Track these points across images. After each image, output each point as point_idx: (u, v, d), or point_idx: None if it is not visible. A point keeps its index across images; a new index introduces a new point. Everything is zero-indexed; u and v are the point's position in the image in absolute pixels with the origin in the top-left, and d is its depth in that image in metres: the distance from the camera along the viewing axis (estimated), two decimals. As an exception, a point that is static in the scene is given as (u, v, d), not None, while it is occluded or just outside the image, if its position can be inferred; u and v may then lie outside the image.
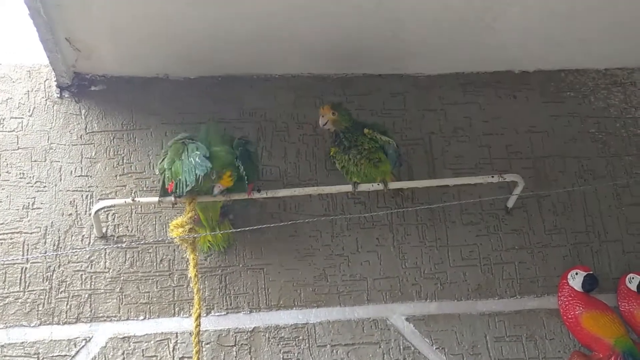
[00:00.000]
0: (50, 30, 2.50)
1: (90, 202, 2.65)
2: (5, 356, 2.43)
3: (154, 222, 2.65)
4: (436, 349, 2.59)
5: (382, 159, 2.58)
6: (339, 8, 2.58)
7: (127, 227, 2.64)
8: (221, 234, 2.57)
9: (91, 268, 2.57)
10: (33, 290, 2.52)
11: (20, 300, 2.50)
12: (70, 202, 2.64)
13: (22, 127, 2.73)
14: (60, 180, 2.67)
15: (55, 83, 2.78)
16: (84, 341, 2.48)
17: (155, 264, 2.60)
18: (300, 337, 2.56)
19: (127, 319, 2.52)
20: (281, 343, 2.54)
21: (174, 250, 2.60)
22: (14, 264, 2.54)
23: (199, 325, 2.40)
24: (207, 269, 2.61)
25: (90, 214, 2.59)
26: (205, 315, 2.55)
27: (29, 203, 2.63)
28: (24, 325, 2.48)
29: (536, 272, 2.74)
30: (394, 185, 2.61)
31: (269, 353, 2.53)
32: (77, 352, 2.46)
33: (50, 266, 2.56)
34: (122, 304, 2.54)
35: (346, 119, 2.61)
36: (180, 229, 2.42)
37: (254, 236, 2.66)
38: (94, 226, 2.57)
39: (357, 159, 2.57)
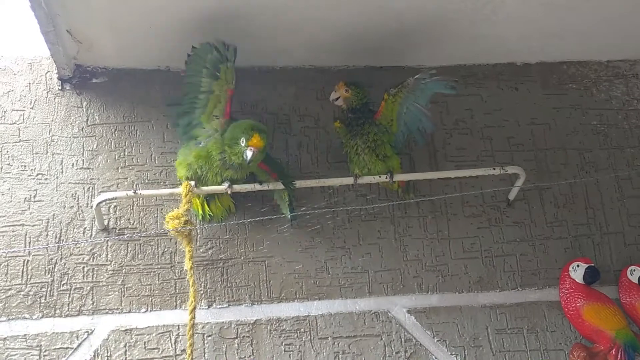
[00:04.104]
0: (51, 22, 2.49)
1: (91, 195, 2.65)
2: (7, 348, 2.43)
3: (156, 215, 2.65)
4: (437, 341, 2.60)
5: (389, 155, 2.59)
6: (340, 0, 2.57)
7: (128, 219, 2.64)
8: (220, 205, 2.58)
9: (93, 260, 2.58)
10: (35, 283, 2.52)
11: (22, 293, 2.51)
12: (72, 194, 2.65)
13: (23, 119, 2.73)
14: (62, 172, 2.67)
15: (57, 75, 2.78)
16: (86, 334, 2.48)
17: (157, 256, 2.60)
18: (302, 330, 2.57)
19: (129, 312, 2.53)
20: (283, 335, 2.55)
21: (176, 242, 2.60)
22: (16, 256, 2.55)
23: (193, 318, 2.40)
24: (209, 261, 2.62)
25: (91, 207, 2.59)
26: (207, 307, 2.55)
27: (30, 195, 2.63)
28: (26, 318, 2.48)
29: (537, 264, 2.75)
30: (399, 177, 2.61)
31: (270, 345, 2.54)
32: (79, 344, 2.47)
33: (52, 259, 2.56)
34: (124, 296, 2.55)
35: (358, 98, 2.63)
36: (175, 221, 2.43)
37: (255, 228, 2.67)
38: (96, 219, 2.57)
39: (360, 148, 2.58)
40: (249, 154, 2.35)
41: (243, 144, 2.36)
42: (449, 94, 2.64)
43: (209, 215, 2.61)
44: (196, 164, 2.48)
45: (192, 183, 2.48)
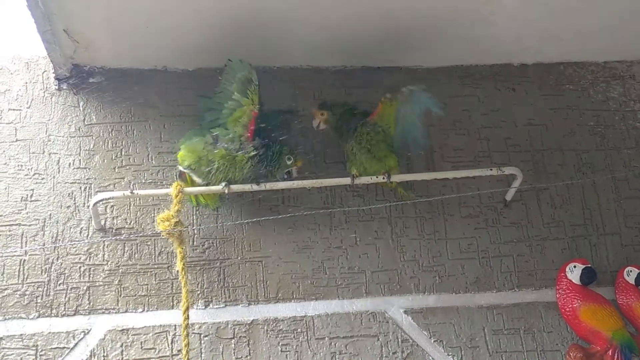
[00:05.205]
0: (48, 21, 2.49)
1: (88, 194, 2.64)
2: (3, 348, 2.43)
3: (153, 215, 2.64)
4: (434, 341, 2.60)
5: (387, 154, 2.58)
6: (337, 1, 2.57)
7: (125, 219, 2.64)
8: (213, 194, 2.57)
9: (90, 260, 2.57)
10: (31, 283, 2.51)
11: (18, 293, 2.50)
12: (69, 194, 2.64)
13: (20, 119, 2.72)
14: (59, 172, 2.67)
15: (54, 75, 2.77)
16: (82, 333, 2.48)
17: (153, 256, 2.60)
18: (299, 330, 2.56)
19: (126, 312, 2.53)
20: (280, 336, 2.55)
21: (172, 243, 2.60)
22: (13, 256, 2.54)
23: (187, 318, 2.40)
24: (206, 261, 2.62)
25: (88, 206, 2.59)
26: (203, 307, 2.55)
27: (27, 195, 2.62)
28: (23, 318, 2.47)
29: (534, 265, 2.75)
30: (397, 178, 2.61)
31: (267, 346, 2.53)
32: (76, 344, 2.46)
33: (48, 258, 2.55)
34: (120, 296, 2.54)
35: (337, 115, 2.63)
36: (166, 222, 2.43)
37: (252, 229, 2.67)
38: (92, 218, 2.56)
39: (356, 148, 2.58)
40: (294, 172, 2.56)
41: (290, 162, 2.54)
42: (437, 112, 2.59)
43: (204, 202, 2.61)
44: (217, 162, 2.48)
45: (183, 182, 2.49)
